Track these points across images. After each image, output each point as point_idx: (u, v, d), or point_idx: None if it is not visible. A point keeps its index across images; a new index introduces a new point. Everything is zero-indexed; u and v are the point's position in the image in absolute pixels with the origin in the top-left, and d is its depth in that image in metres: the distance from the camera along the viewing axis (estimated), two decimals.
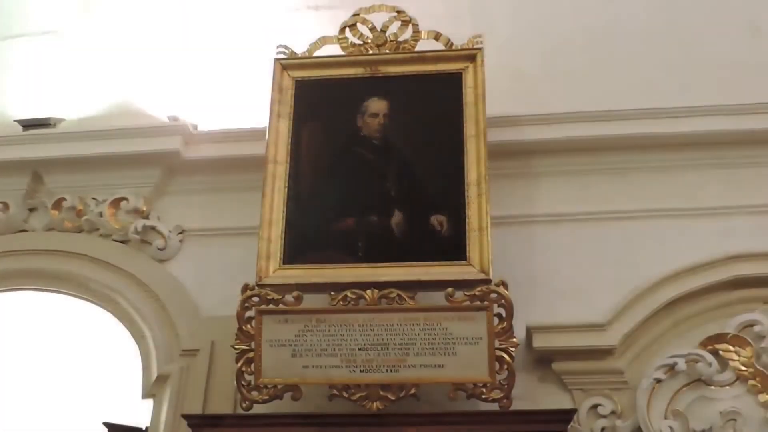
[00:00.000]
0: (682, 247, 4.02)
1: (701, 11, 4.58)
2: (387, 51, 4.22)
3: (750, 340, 3.78)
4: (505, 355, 3.56)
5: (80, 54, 4.97)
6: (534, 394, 3.81)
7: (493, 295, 3.63)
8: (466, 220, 3.79)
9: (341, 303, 3.70)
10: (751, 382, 3.73)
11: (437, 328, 3.61)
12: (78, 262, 4.40)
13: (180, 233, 4.45)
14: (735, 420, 3.65)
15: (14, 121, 4.77)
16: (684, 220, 4.12)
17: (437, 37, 4.22)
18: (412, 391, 3.56)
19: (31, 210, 4.62)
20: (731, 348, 3.80)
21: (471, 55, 4.13)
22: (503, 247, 3.89)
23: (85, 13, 5.09)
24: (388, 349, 3.60)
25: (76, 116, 4.78)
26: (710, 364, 3.74)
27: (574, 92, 4.42)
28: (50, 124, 4.72)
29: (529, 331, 3.85)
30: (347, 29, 4.29)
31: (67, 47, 5.01)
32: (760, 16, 4.57)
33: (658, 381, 3.74)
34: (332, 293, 3.72)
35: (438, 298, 3.70)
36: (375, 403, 3.55)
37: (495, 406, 3.53)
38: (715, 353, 3.78)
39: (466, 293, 3.65)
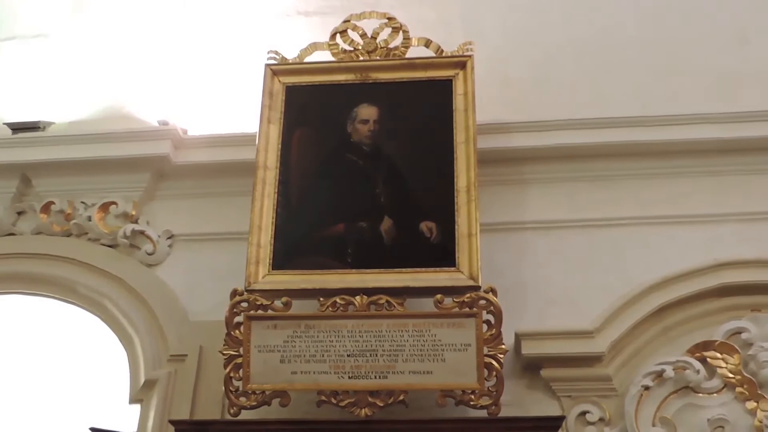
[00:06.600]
0: (671, 254, 4.04)
1: (689, 20, 4.61)
2: (377, 57, 4.23)
3: (737, 348, 3.80)
4: (493, 362, 3.56)
5: (70, 57, 4.97)
6: (522, 401, 3.81)
7: (482, 302, 3.64)
8: (456, 226, 3.80)
9: (330, 309, 3.70)
10: (738, 389, 3.75)
11: (426, 334, 3.61)
12: (66, 266, 4.38)
13: (169, 238, 4.43)
14: (723, 427, 3.66)
15: (3, 124, 4.75)
16: (672, 227, 4.14)
17: (428, 44, 4.24)
18: (401, 397, 3.56)
19: (20, 213, 4.59)
20: (719, 355, 3.81)
21: (461, 62, 4.15)
22: (492, 253, 3.90)
23: (75, 16, 5.08)
24: (376, 355, 3.60)
25: (66, 120, 4.77)
26: (698, 372, 3.75)
27: (563, 100, 4.45)
28: (40, 128, 4.70)
29: (518, 338, 3.86)
30: (338, 35, 4.30)
31: (57, 50, 5.01)
32: (748, 25, 4.60)
33: (646, 388, 3.75)
34: (321, 299, 3.72)
35: (427, 304, 3.70)
36: (363, 410, 3.55)
37: (483, 413, 3.53)
38: (702, 360, 3.80)
39: (455, 300, 3.66)
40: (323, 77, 4.24)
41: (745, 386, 3.75)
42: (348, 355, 3.62)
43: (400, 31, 4.26)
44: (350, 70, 4.22)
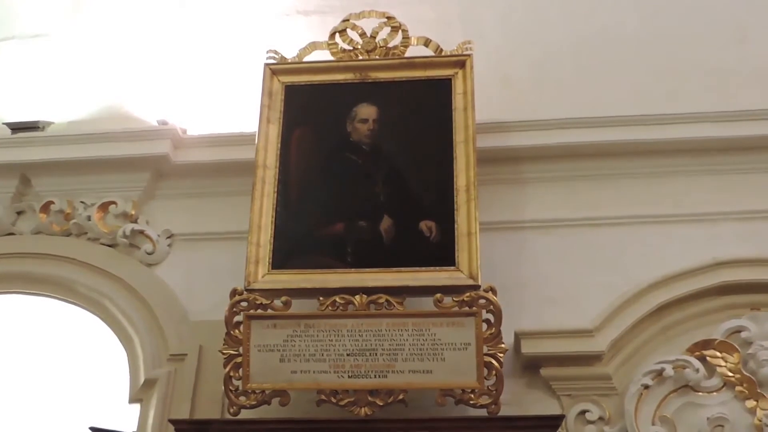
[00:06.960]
0: (670, 253, 4.04)
1: (688, 19, 4.61)
2: (377, 57, 4.23)
3: (737, 346, 3.80)
4: (493, 361, 3.57)
5: (70, 57, 4.96)
6: (522, 400, 3.81)
7: (482, 301, 3.64)
8: (455, 225, 3.80)
9: (330, 308, 3.70)
10: (738, 388, 3.74)
11: (426, 333, 3.61)
12: (66, 265, 4.38)
13: (168, 237, 4.43)
14: (722, 426, 3.66)
15: (3, 123, 4.75)
16: (671, 226, 4.14)
17: (427, 43, 4.24)
18: (401, 396, 3.56)
19: (19, 213, 4.60)
20: (718, 354, 3.81)
21: (460, 62, 4.15)
22: (492, 252, 3.89)
23: (74, 16, 5.08)
24: (376, 354, 3.60)
25: (65, 119, 4.76)
26: (698, 370, 3.76)
27: (562, 99, 4.44)
28: (39, 127, 4.70)
29: (518, 337, 3.85)
30: (337, 35, 4.30)
31: (57, 50, 5.00)
32: (747, 24, 4.60)
33: (646, 387, 3.75)
34: (321, 298, 3.72)
35: (427, 303, 3.70)
36: (363, 409, 3.55)
37: (483, 412, 3.53)
38: (702, 359, 3.80)
39: (455, 299, 3.66)
40: (322, 77, 4.24)
41: (744, 385, 3.75)
42: (348, 355, 3.62)
43: (400, 31, 4.26)
44: (349, 70, 4.22)
